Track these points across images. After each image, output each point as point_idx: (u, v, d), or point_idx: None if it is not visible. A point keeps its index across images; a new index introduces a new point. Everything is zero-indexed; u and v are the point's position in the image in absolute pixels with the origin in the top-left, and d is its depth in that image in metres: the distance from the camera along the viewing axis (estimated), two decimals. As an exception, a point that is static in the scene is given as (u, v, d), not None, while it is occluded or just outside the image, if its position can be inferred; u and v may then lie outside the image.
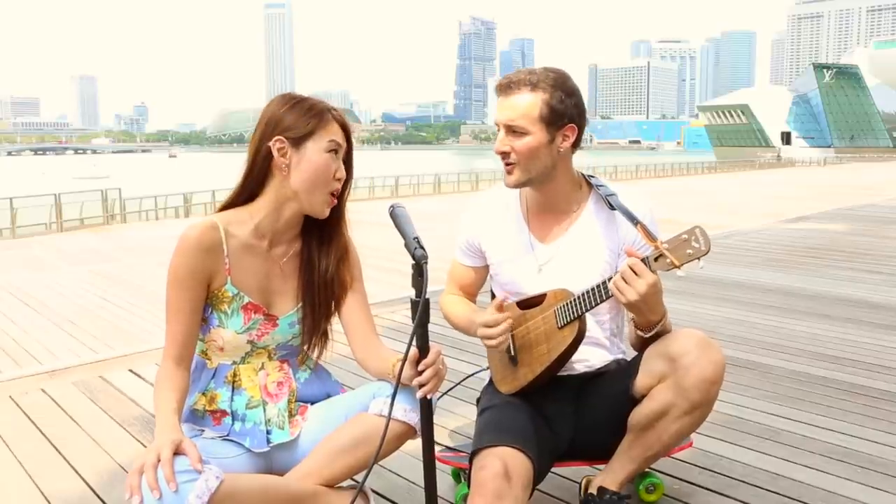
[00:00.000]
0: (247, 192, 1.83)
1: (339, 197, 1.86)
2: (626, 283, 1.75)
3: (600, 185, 2.02)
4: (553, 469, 2.34)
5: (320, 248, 1.90)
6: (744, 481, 2.39)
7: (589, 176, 2.07)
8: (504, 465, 1.74)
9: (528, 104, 1.88)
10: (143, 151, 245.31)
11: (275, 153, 1.77)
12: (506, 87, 1.90)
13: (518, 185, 1.97)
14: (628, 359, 2.08)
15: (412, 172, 31.73)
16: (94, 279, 9.41)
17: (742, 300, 5.09)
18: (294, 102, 1.81)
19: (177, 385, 1.75)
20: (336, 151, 1.81)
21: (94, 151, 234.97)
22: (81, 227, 18.03)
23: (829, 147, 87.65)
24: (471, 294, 2.21)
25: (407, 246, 1.68)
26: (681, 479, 2.40)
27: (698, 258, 1.68)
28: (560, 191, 2.00)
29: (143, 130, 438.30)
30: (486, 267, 2.16)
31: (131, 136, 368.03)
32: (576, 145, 1.95)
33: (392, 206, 1.81)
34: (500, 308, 1.91)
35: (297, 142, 1.78)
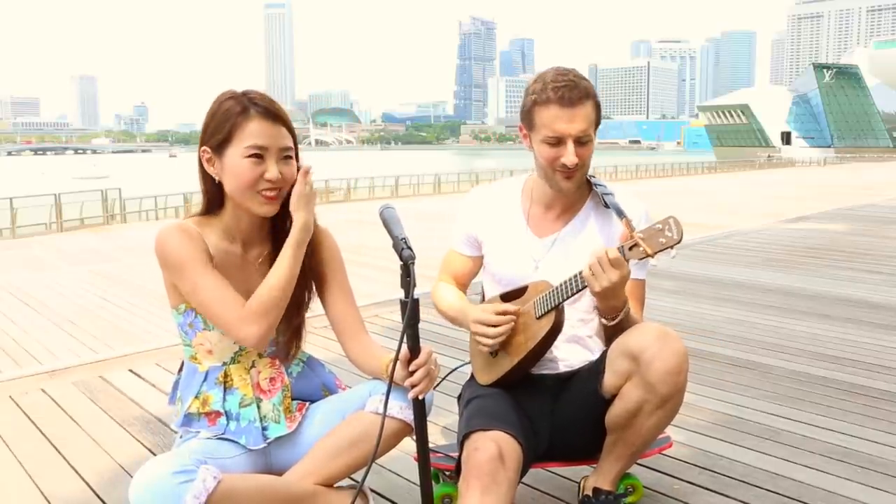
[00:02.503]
0: (212, 205, 1.80)
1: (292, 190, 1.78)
2: (597, 272, 1.77)
3: (599, 185, 2.04)
4: (552, 469, 2.35)
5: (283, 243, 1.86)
6: (744, 481, 2.39)
7: (590, 175, 2.09)
8: (498, 447, 1.76)
9: (591, 113, 1.92)
10: (144, 151, 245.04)
11: (205, 164, 1.74)
12: (570, 101, 1.88)
13: (577, 189, 2.00)
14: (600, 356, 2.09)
15: (412, 172, 31.76)
16: (94, 279, 9.41)
17: (742, 300, 5.09)
18: (218, 103, 1.73)
19: None
20: (259, 155, 1.71)
21: (94, 151, 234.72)
22: (81, 227, 18.02)
23: (829, 147, 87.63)
24: (463, 284, 2.22)
25: (394, 247, 1.68)
26: (681, 479, 2.40)
27: (671, 247, 1.69)
28: (576, 190, 2.02)
29: (143, 130, 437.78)
30: (481, 258, 2.18)
31: (131, 136, 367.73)
32: None
33: (381, 208, 1.80)
34: (504, 313, 1.92)
35: (218, 150, 1.73)
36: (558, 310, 1.88)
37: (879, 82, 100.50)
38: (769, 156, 69.85)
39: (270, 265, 1.80)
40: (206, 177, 1.78)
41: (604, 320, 1.95)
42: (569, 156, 1.90)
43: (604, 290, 1.78)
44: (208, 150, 1.73)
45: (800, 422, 2.88)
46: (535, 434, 2.00)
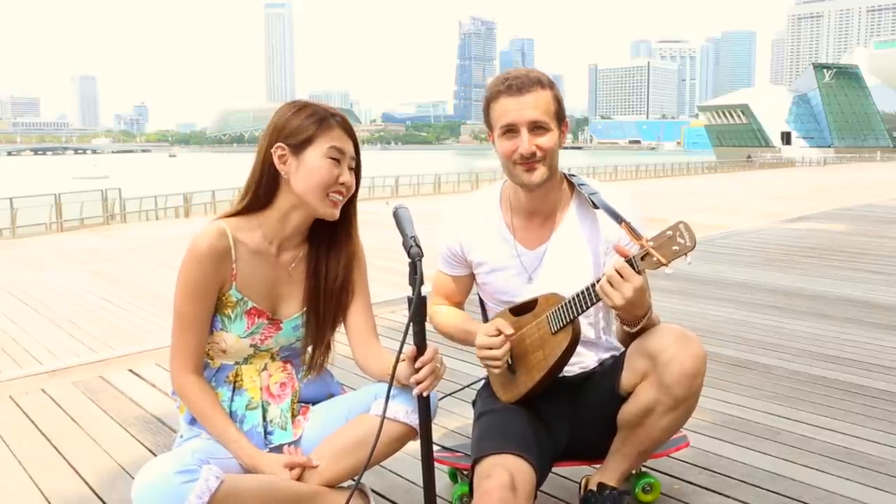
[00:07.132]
0: (259, 202, 1.81)
1: (350, 201, 1.85)
2: (612, 287, 1.73)
3: (582, 184, 2.00)
4: (553, 469, 2.34)
5: (329, 253, 1.89)
6: (744, 481, 2.39)
7: (570, 175, 2.04)
8: (510, 475, 1.73)
9: (547, 101, 1.88)
10: (143, 151, 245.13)
11: (275, 160, 1.77)
12: (518, 89, 1.87)
13: (542, 183, 1.92)
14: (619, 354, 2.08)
15: (412, 172, 31.76)
16: (94, 279, 9.39)
17: (742, 300, 5.10)
18: (297, 109, 1.80)
19: (215, 398, 1.81)
20: (338, 159, 1.78)
21: (94, 151, 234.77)
22: (81, 227, 18.02)
23: (829, 147, 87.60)
24: (458, 303, 2.17)
25: (404, 244, 1.69)
26: (680, 479, 2.40)
27: (685, 254, 1.66)
28: (552, 191, 1.98)
29: (143, 130, 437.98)
30: (471, 275, 2.13)
31: (131, 136, 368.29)
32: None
33: (395, 207, 1.82)
34: (499, 332, 1.88)
35: (297, 148, 1.76)
36: (574, 323, 1.86)
37: (879, 82, 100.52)
38: (748, 156, 69.30)
39: (305, 267, 1.87)
40: (262, 174, 1.80)
41: (625, 327, 1.92)
42: (523, 143, 1.87)
43: (623, 305, 1.74)
44: (285, 147, 1.76)
45: (800, 422, 2.89)
46: (553, 437, 1.99)
